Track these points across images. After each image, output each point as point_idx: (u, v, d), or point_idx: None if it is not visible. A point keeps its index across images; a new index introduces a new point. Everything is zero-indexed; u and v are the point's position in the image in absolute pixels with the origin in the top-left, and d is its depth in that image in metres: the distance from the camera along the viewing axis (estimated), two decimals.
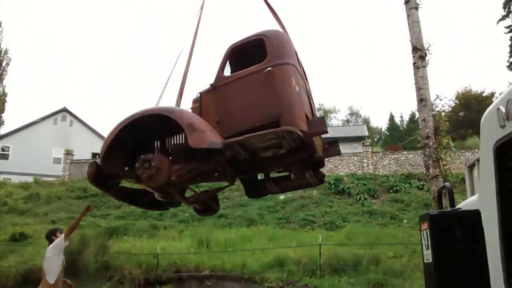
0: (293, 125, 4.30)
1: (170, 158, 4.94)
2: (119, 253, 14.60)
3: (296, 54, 5.13)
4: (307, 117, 4.68)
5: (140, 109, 4.83)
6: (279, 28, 5.69)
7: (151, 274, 13.82)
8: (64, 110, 43.51)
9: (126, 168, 5.07)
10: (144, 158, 4.59)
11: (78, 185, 26.40)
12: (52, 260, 6.72)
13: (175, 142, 5.20)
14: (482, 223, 2.00)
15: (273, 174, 6.09)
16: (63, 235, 6.83)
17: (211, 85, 5.01)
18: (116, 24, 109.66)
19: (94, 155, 36.33)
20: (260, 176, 6.03)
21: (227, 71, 5.21)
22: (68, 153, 32.40)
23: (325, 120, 4.78)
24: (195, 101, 5.19)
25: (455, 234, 1.94)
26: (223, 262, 13.99)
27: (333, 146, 5.54)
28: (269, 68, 4.58)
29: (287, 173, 5.98)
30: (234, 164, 5.13)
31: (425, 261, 2.06)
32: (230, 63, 5.28)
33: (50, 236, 7.10)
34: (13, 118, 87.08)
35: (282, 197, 21.22)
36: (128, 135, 4.82)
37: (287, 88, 4.57)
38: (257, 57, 4.81)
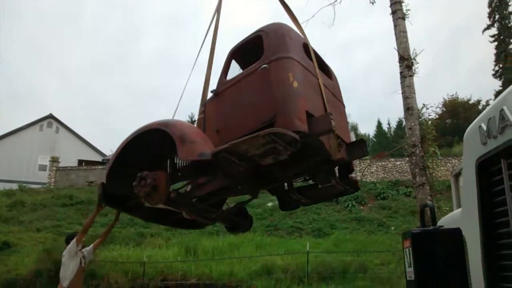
0: (287, 125, 3.83)
1: (180, 174, 4.73)
2: (105, 261, 14.41)
3: (306, 46, 4.67)
4: (312, 116, 4.13)
5: (141, 126, 4.65)
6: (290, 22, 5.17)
7: (138, 282, 13.67)
8: (50, 116, 43.03)
9: None
10: (140, 176, 4.31)
11: (64, 192, 26.13)
12: (66, 265, 6.63)
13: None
14: (463, 241, 2.01)
15: (300, 184, 5.73)
16: (74, 239, 6.70)
17: (212, 91, 4.78)
18: (106, 27, 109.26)
19: (80, 162, 36.02)
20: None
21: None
22: (54, 160, 32.09)
23: (329, 117, 4.10)
24: (201, 112, 4.92)
25: (437, 252, 1.95)
26: (211, 270, 13.91)
27: (358, 146, 4.94)
28: (264, 66, 4.22)
29: (313, 183, 5.53)
30: (252, 176, 4.72)
31: (408, 278, 2.06)
32: (240, 66, 4.99)
33: (69, 241, 6.96)
34: None
35: (270, 204, 21.20)
36: (133, 153, 4.65)
37: (282, 85, 4.09)
38: (260, 56, 4.42)
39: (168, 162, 4.93)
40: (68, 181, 30.45)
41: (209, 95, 4.95)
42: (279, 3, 5.48)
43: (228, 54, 4.88)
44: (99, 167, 32.49)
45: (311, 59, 4.63)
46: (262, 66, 4.24)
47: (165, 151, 4.83)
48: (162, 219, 5.70)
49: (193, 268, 14.13)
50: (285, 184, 5.42)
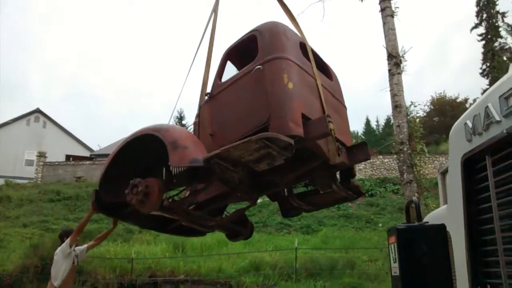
0: (282, 129, 3.67)
1: (175, 180, 4.60)
2: (92, 258, 14.32)
3: (303, 46, 4.48)
4: (309, 119, 3.96)
5: (133, 132, 4.53)
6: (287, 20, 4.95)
7: (126, 278, 13.62)
8: (38, 111, 42.62)
9: None
10: (132, 183, 4.20)
11: (51, 188, 25.91)
12: (58, 264, 6.53)
13: None
14: (447, 237, 2.03)
15: (300, 189, 5.57)
16: (68, 239, 6.60)
17: (206, 94, 4.61)
18: (94, 19, 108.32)
19: (68, 157, 35.75)
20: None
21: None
22: (41, 155, 31.80)
23: (326, 119, 3.90)
24: (196, 116, 4.79)
25: (421, 248, 1.96)
26: (199, 266, 13.91)
27: (360, 149, 4.72)
28: (258, 67, 4.04)
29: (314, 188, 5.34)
30: (250, 183, 4.52)
31: (393, 274, 2.08)
32: (236, 67, 4.85)
33: (63, 237, 6.84)
34: None
35: (259, 200, 21.22)
36: (126, 160, 4.56)
37: (276, 87, 3.90)
38: (255, 57, 4.26)
39: (164, 168, 4.74)
40: (56, 176, 30.19)
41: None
42: (276, 2, 5.23)
43: (223, 55, 4.72)
44: (87, 162, 32.28)
45: (309, 59, 4.46)
46: (256, 67, 4.07)
47: (159, 157, 4.64)
48: (160, 226, 5.59)
49: (182, 264, 14.12)
50: (285, 190, 5.29)
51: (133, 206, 4.27)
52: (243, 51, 4.67)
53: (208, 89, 4.72)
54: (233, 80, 4.39)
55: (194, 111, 5.09)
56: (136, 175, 4.47)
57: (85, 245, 7.20)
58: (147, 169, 4.71)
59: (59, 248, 6.67)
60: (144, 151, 4.58)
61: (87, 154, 39.68)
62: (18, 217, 21.27)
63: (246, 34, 4.53)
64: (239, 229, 5.73)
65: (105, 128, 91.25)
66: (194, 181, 4.54)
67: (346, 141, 4.69)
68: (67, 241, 6.57)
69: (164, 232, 5.94)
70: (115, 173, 4.59)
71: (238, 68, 4.89)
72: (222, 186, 4.53)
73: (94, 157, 36.37)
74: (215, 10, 5.46)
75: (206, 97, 4.66)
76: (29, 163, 37.44)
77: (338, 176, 5.07)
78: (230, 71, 4.79)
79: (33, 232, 18.91)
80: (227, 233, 5.89)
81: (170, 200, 4.51)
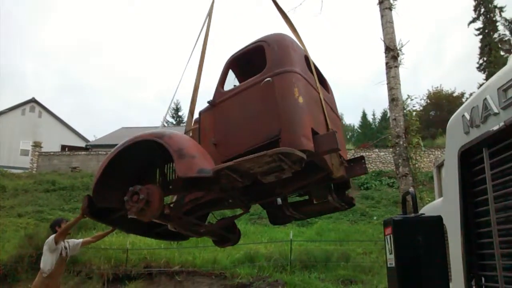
0: (294, 143, 3.69)
1: (171, 186, 4.51)
2: (87, 248, 14.30)
3: (307, 59, 4.55)
4: (316, 133, 4.00)
5: (131, 136, 4.40)
6: (288, 30, 5.04)
7: (120, 269, 13.64)
8: (33, 101, 42.44)
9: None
10: (132, 190, 4.07)
11: (46, 178, 25.83)
12: (46, 256, 6.55)
13: (174, 169, 4.59)
14: (444, 228, 2.03)
15: (294, 199, 5.62)
16: (54, 235, 6.57)
17: (208, 102, 4.53)
18: (91, 8, 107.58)
19: (63, 147, 35.64)
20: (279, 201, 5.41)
21: (233, 85, 4.71)
22: (36, 145, 31.69)
23: (335, 135, 3.98)
24: (195, 122, 4.73)
25: (417, 240, 1.96)
26: (194, 257, 13.94)
27: (358, 164, 4.92)
28: (268, 79, 4.02)
29: (307, 197, 5.46)
30: (244, 190, 4.52)
31: (388, 265, 2.08)
32: (237, 76, 4.84)
33: (54, 227, 6.81)
34: None
35: None
36: (122, 164, 4.45)
37: (287, 101, 3.91)
38: (262, 67, 4.24)
39: (158, 174, 4.72)
40: (51, 166, 30.10)
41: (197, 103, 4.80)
42: (278, 14, 5.30)
43: (226, 64, 4.65)
44: (82, 153, 32.18)
45: (311, 71, 4.49)
46: (266, 80, 4.04)
47: (152, 162, 4.66)
48: (145, 231, 5.52)
49: (177, 255, 14.14)
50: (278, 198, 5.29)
51: (132, 214, 4.12)
52: (246, 60, 4.65)
53: (201, 94, 4.76)
54: (239, 90, 4.34)
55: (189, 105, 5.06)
56: (128, 179, 4.45)
57: (81, 240, 7.20)
58: (137, 173, 4.65)
59: (46, 242, 6.66)
60: (137, 156, 4.49)
61: (82, 144, 39.55)
62: (13, 207, 21.22)
63: (252, 44, 4.49)
64: (228, 235, 5.77)
65: (100, 119, 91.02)
66: (194, 189, 4.43)
67: (343, 154, 4.77)
68: (53, 236, 6.55)
69: (150, 237, 5.86)
70: (109, 178, 4.47)
71: (238, 76, 4.88)
72: (216, 193, 4.48)
73: (90, 147, 36.23)
74: (210, 13, 5.45)
75: (208, 105, 4.58)
76: (25, 153, 37.35)
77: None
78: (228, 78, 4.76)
79: (28, 222, 18.88)
80: (216, 239, 5.88)
81: (169, 208, 4.40)
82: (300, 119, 3.88)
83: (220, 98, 4.46)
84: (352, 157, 5.90)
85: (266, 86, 4.03)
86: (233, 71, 4.82)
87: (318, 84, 4.50)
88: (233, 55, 4.64)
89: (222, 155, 4.17)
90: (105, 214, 4.96)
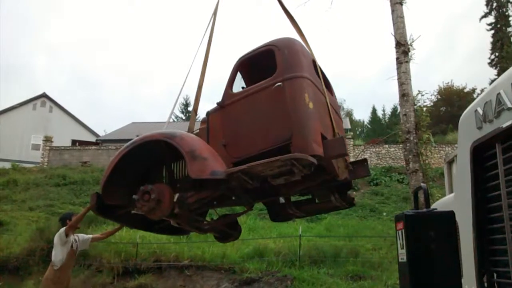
0: (305, 149, 3.81)
1: (178, 185, 4.63)
2: (98, 242, 14.43)
3: (314, 63, 4.63)
4: (324, 137, 4.12)
5: (141, 136, 4.53)
6: (295, 34, 5.16)
7: (130, 263, 13.72)
8: (44, 95, 42.76)
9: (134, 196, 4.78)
10: (143, 189, 4.22)
11: (57, 172, 26.03)
12: (57, 250, 6.64)
13: (182, 168, 4.75)
14: (456, 224, 2.02)
15: (296, 198, 5.71)
16: (64, 228, 6.66)
17: (218, 103, 4.58)
18: (101, 3, 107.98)
19: (74, 142, 35.90)
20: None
21: (239, 86, 4.82)
22: (47, 139, 31.91)
23: (344, 140, 4.18)
24: (203, 122, 4.78)
25: (429, 235, 1.96)
26: (203, 252, 13.97)
27: (361, 166, 5.07)
28: (279, 84, 4.09)
29: (310, 196, 5.60)
30: (250, 189, 4.59)
31: (400, 260, 2.08)
32: (243, 77, 4.91)
33: (65, 220, 6.89)
34: None
35: None
36: (131, 163, 4.55)
37: (298, 106, 3.99)
38: (270, 70, 4.33)
39: (165, 172, 4.84)
40: (62, 161, 30.33)
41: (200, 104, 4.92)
42: (285, 17, 5.40)
43: (235, 65, 4.69)
44: (93, 147, 32.38)
45: (318, 76, 4.57)
46: (277, 84, 4.11)
47: (158, 160, 4.78)
48: (148, 226, 5.61)
49: (186, 249, 14.19)
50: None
51: (141, 211, 4.27)
52: (253, 63, 4.71)
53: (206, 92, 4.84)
54: (249, 93, 4.40)
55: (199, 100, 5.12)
56: (134, 177, 4.61)
57: (90, 236, 7.33)
58: (143, 171, 4.78)
59: (57, 234, 6.74)
60: (144, 154, 4.59)
61: (93, 139, 39.82)
62: (25, 201, 21.43)
63: (262, 47, 4.54)
64: (230, 231, 5.87)
65: (110, 114, 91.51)
66: (202, 188, 4.51)
67: (346, 157, 4.84)
68: (63, 229, 6.63)
69: (152, 232, 5.97)
70: (117, 176, 4.57)
71: (244, 77, 4.95)
72: (217, 193, 4.60)
73: (100, 142, 36.48)
74: (214, 13, 5.59)
75: (216, 105, 4.64)
76: (36, 147, 37.65)
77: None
78: (227, 73, 4.78)
79: (39, 215, 19.06)
80: (218, 235, 5.98)
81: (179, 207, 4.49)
82: (311, 124, 3.98)
83: (229, 99, 4.50)
84: (355, 158, 6.08)
85: (277, 90, 4.09)
86: (240, 72, 4.86)
87: (325, 89, 4.60)
88: (242, 57, 4.67)
89: (232, 156, 4.25)
90: (110, 211, 5.05)
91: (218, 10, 5.63)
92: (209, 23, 5.51)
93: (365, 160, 5.19)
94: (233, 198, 4.99)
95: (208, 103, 4.67)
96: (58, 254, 6.62)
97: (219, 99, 4.60)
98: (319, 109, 4.23)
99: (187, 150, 4.04)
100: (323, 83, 4.61)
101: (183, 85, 5.76)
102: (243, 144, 4.25)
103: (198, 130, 4.93)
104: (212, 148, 4.28)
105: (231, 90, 4.60)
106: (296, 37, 5.05)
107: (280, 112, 4.05)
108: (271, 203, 5.68)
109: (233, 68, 4.67)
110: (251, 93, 4.35)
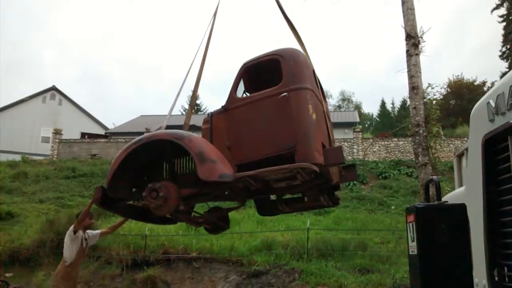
0: (309, 157, 4.08)
1: (179, 180, 4.80)
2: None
3: (314, 73, 4.85)
4: (324, 146, 4.42)
5: (147, 134, 4.68)
6: (295, 43, 5.39)
7: (139, 255, 13.80)
8: (53, 88, 43.02)
9: (134, 189, 5.01)
10: (151, 187, 4.42)
11: (67, 164, 26.23)
12: (68, 247, 6.78)
13: (184, 165, 5.00)
14: (467, 216, 2.00)
15: (286, 196, 5.93)
16: (72, 226, 6.78)
17: (223, 107, 4.75)
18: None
19: (83, 134, 36.12)
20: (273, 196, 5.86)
21: (240, 89, 5.00)
22: (57, 132, 32.16)
23: (342, 149, 4.43)
24: (205, 122, 4.93)
25: (440, 228, 1.95)
26: (211, 244, 14.03)
27: (350, 171, 5.38)
28: (285, 94, 4.31)
29: (300, 195, 5.85)
30: (249, 189, 4.88)
31: (410, 252, 2.07)
32: (244, 80, 5.03)
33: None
34: (1, 96, 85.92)
35: None
36: (135, 159, 4.70)
37: (303, 117, 4.25)
38: (273, 77, 4.57)
39: (167, 169, 5.06)
40: (71, 153, 30.56)
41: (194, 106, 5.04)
42: (287, 26, 5.58)
43: (240, 71, 4.86)
44: (102, 140, 32.56)
45: (316, 84, 4.80)
46: (283, 94, 4.31)
47: (163, 157, 4.98)
48: (141, 216, 5.76)
49: (194, 242, 14.26)
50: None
51: (151, 209, 4.48)
52: (256, 69, 4.90)
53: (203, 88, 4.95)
54: (254, 99, 4.60)
55: (205, 94, 5.30)
56: (137, 172, 4.89)
57: (99, 231, 7.53)
58: (145, 167, 5.01)
59: (68, 232, 6.85)
60: (149, 151, 4.73)
61: (102, 132, 40.03)
62: (35, 193, 21.63)
63: (267, 55, 4.73)
64: (221, 224, 6.18)
65: (119, 107, 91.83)
66: (204, 187, 4.67)
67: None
68: (72, 227, 6.75)
69: (144, 221, 6.13)
70: (121, 171, 4.72)
71: (245, 81, 5.08)
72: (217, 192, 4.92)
73: (109, 135, 36.67)
74: (214, 14, 5.88)
75: (220, 108, 4.82)
76: (45, 140, 37.95)
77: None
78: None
79: (49, 207, 19.22)
80: (209, 227, 6.26)
81: (183, 204, 4.78)
82: (314, 134, 4.26)
83: (234, 104, 4.70)
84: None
85: (282, 100, 4.31)
86: (243, 78, 5.02)
87: (321, 96, 4.90)
88: (247, 63, 4.84)
89: (236, 159, 4.46)
90: (110, 203, 5.22)
91: (218, 11, 5.95)
92: (209, 23, 5.79)
93: (354, 165, 5.54)
94: (226, 193, 5.21)
95: (212, 97, 4.81)
96: (68, 250, 6.76)
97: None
98: (319, 119, 4.50)
99: (196, 152, 4.24)
100: (321, 93, 4.91)
101: (184, 82, 5.93)
102: (247, 148, 4.46)
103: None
104: (218, 151, 4.47)
105: (236, 94, 4.80)
106: (295, 39, 5.41)
107: (285, 121, 4.28)
108: (261, 200, 5.95)
109: (238, 74, 4.85)
110: (256, 100, 4.56)
